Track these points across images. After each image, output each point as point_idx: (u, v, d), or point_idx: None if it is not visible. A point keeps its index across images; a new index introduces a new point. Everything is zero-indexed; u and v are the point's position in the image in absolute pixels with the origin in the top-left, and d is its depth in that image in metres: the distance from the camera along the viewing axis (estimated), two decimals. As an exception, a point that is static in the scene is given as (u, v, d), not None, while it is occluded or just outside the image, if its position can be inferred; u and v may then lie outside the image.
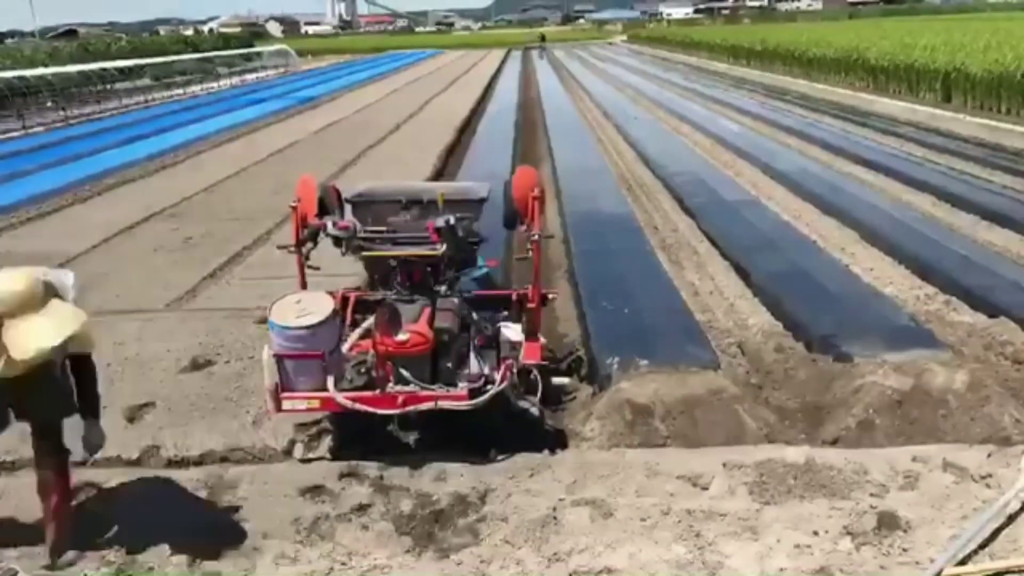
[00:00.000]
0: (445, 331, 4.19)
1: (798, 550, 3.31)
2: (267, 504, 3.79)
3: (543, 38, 59.85)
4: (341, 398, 3.96)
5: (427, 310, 4.26)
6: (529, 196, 4.54)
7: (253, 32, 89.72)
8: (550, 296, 5.15)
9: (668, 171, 11.66)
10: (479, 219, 4.60)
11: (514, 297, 4.82)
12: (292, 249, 4.67)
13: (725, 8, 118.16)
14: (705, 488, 3.78)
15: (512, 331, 4.61)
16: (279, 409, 4.05)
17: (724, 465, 3.93)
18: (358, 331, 4.37)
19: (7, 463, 4.20)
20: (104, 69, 28.02)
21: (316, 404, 4.05)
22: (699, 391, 4.49)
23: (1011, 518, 3.39)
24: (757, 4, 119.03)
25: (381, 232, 4.47)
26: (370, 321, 4.29)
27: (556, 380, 4.76)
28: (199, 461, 4.28)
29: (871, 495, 3.65)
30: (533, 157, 14.17)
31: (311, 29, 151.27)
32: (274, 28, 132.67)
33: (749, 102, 20.83)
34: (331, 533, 3.56)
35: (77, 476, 3.81)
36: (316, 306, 4.00)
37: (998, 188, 9.82)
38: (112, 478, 4.03)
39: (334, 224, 4.48)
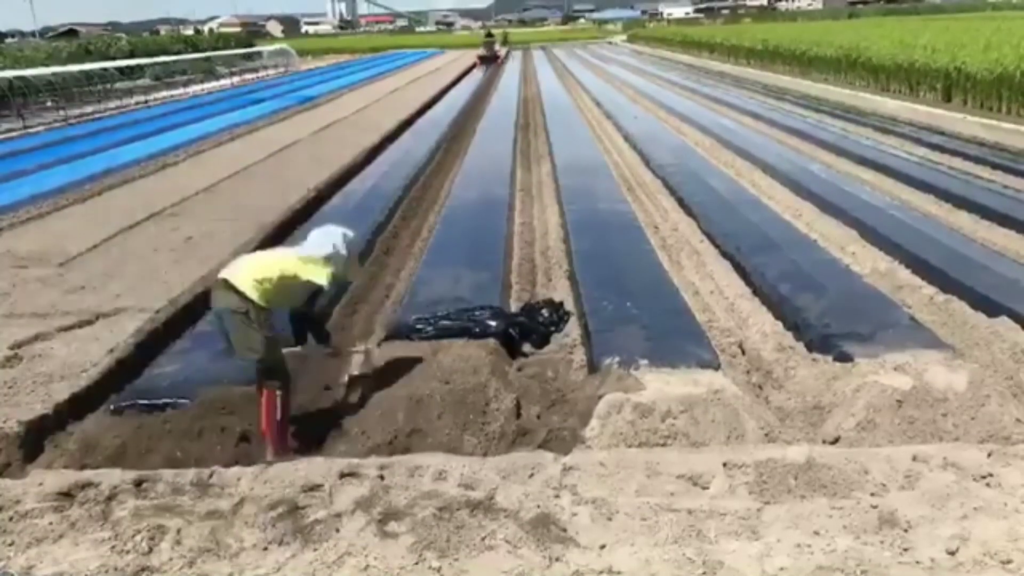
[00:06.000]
0: None
1: (798, 549, 3.30)
2: (267, 503, 3.78)
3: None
4: None
5: None
6: None
7: (253, 32, 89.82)
8: None
9: (668, 170, 11.66)
10: None
11: None
12: None
13: (725, 7, 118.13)
14: (705, 488, 3.77)
15: None
16: None
17: (724, 465, 3.91)
18: None
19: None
20: (104, 69, 28.04)
21: None
22: (699, 391, 4.49)
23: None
24: (757, 3, 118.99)
25: None
26: None
27: None
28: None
29: (871, 494, 3.64)
30: (533, 155, 14.18)
31: (311, 29, 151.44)
32: (274, 28, 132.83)
33: (749, 102, 20.81)
34: (331, 533, 3.56)
35: (75, 477, 3.81)
36: None
37: (998, 188, 9.82)
38: (109, 478, 4.01)
39: None
